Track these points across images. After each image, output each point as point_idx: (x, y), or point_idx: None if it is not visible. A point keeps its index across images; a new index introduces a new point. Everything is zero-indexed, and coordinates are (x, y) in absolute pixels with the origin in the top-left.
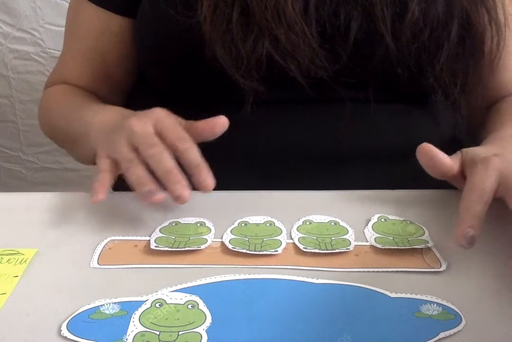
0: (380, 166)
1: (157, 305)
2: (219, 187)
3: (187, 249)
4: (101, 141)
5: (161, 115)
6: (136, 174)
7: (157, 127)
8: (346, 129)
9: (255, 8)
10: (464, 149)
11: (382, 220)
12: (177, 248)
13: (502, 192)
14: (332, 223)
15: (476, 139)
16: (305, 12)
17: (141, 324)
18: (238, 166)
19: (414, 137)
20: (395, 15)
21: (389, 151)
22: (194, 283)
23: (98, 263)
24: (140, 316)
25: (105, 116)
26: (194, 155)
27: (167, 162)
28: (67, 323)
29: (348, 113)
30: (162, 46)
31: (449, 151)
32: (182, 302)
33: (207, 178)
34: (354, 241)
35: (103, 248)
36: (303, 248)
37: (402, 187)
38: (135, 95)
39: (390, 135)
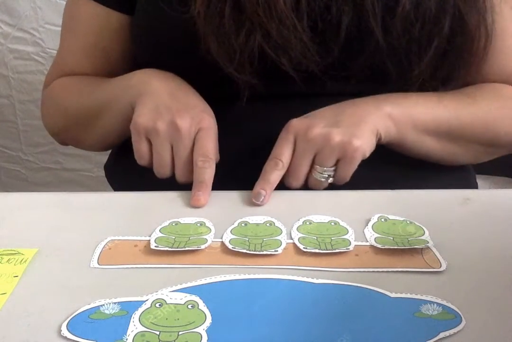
0: (375, 163)
1: (157, 305)
2: (215, 185)
3: (187, 249)
4: (150, 104)
5: (207, 126)
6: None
7: (197, 134)
8: None
9: (246, 2)
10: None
11: (382, 220)
12: (177, 248)
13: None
14: (332, 223)
15: None
16: (296, 7)
17: (141, 324)
18: (234, 162)
19: None
20: (386, 8)
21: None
22: (194, 283)
23: (98, 263)
24: (140, 316)
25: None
26: (206, 175)
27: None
28: (67, 323)
29: None
30: (157, 42)
31: None
32: (182, 302)
33: (202, 197)
34: (354, 241)
35: (103, 248)
36: (303, 248)
37: (400, 183)
38: None
39: None
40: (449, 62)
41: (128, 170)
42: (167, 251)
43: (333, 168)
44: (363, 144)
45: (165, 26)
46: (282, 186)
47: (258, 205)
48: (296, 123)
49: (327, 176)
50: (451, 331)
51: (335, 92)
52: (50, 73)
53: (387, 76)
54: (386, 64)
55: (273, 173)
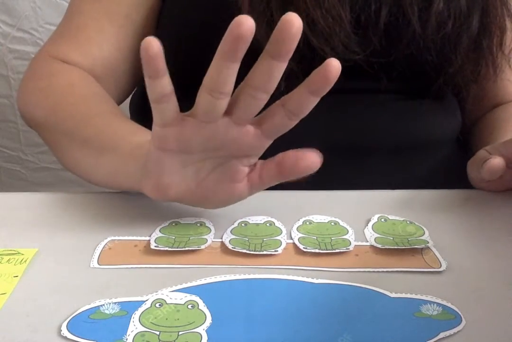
0: (400, 160)
1: (157, 305)
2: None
3: (187, 249)
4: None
5: None
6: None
7: None
8: (370, 120)
9: None
10: (489, 150)
11: (382, 220)
12: (177, 248)
13: None
14: (332, 223)
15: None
16: None
17: (141, 324)
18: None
19: (432, 132)
20: (421, 5)
21: (405, 144)
22: (194, 283)
23: (98, 263)
24: (140, 316)
25: None
26: None
27: None
28: (67, 323)
29: (377, 103)
30: (200, 22)
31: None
32: (182, 302)
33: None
34: (354, 241)
35: (103, 248)
36: (303, 248)
37: (420, 182)
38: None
39: (405, 128)
40: (481, 57)
41: None
42: (167, 251)
43: None
44: None
45: (211, 6)
46: (282, 186)
47: None
48: None
49: None
50: (451, 331)
51: (373, 89)
52: (61, 43)
53: (424, 72)
54: (422, 58)
55: None
